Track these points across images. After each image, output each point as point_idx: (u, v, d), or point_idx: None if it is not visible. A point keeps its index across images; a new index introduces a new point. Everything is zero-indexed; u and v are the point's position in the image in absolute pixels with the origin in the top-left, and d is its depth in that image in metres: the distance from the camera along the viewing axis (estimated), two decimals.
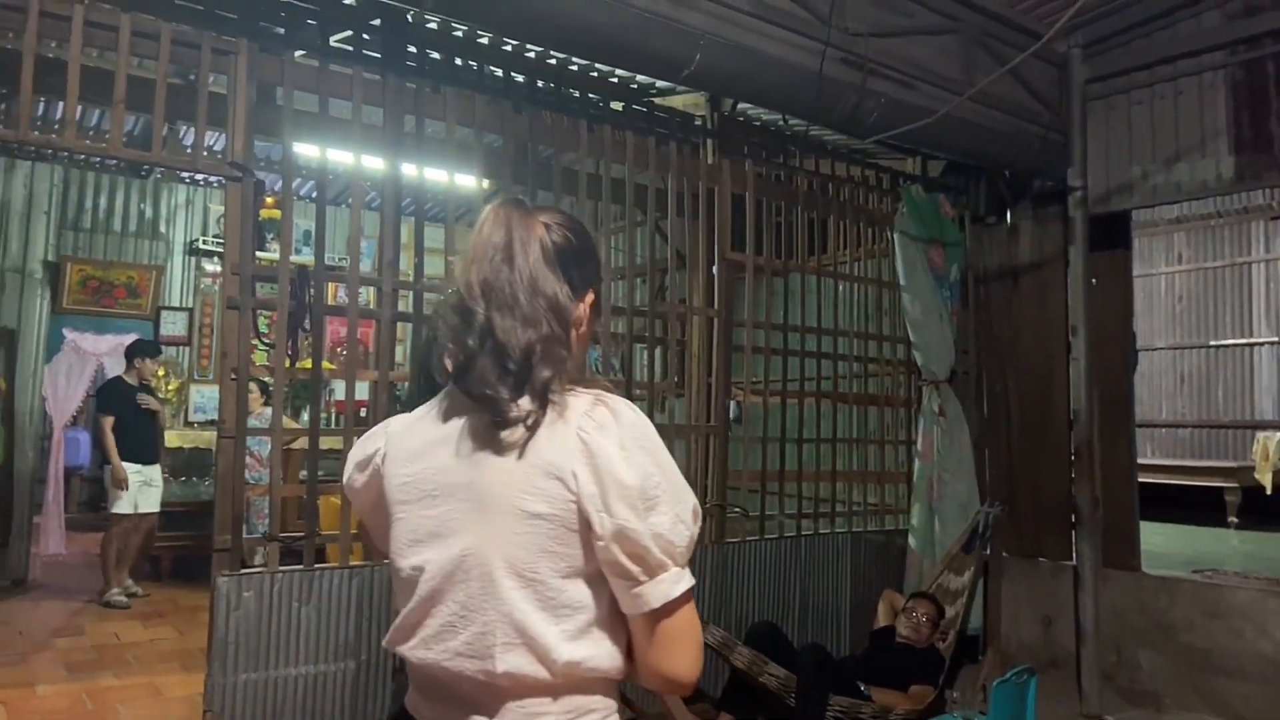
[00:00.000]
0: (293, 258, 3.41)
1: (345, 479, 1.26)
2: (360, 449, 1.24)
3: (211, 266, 7.37)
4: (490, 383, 1.07)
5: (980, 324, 5.46)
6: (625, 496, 1.04)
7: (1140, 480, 5.21)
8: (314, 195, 7.24)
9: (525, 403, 1.08)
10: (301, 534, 3.28)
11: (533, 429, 1.07)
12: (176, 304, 7.39)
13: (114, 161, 6.94)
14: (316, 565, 3.23)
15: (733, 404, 4.79)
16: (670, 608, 1.05)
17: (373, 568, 3.30)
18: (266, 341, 3.74)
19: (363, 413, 4.61)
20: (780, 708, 3.64)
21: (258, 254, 5.08)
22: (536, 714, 1.06)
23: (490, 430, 1.07)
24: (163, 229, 7.46)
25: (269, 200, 6.41)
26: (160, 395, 7.07)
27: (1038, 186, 5.20)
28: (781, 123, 4.74)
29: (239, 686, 3.05)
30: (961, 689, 4.00)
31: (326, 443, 3.40)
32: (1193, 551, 6.40)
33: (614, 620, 1.09)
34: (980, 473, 5.11)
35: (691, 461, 4.29)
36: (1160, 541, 6.34)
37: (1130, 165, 4.73)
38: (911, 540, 4.85)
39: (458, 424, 1.12)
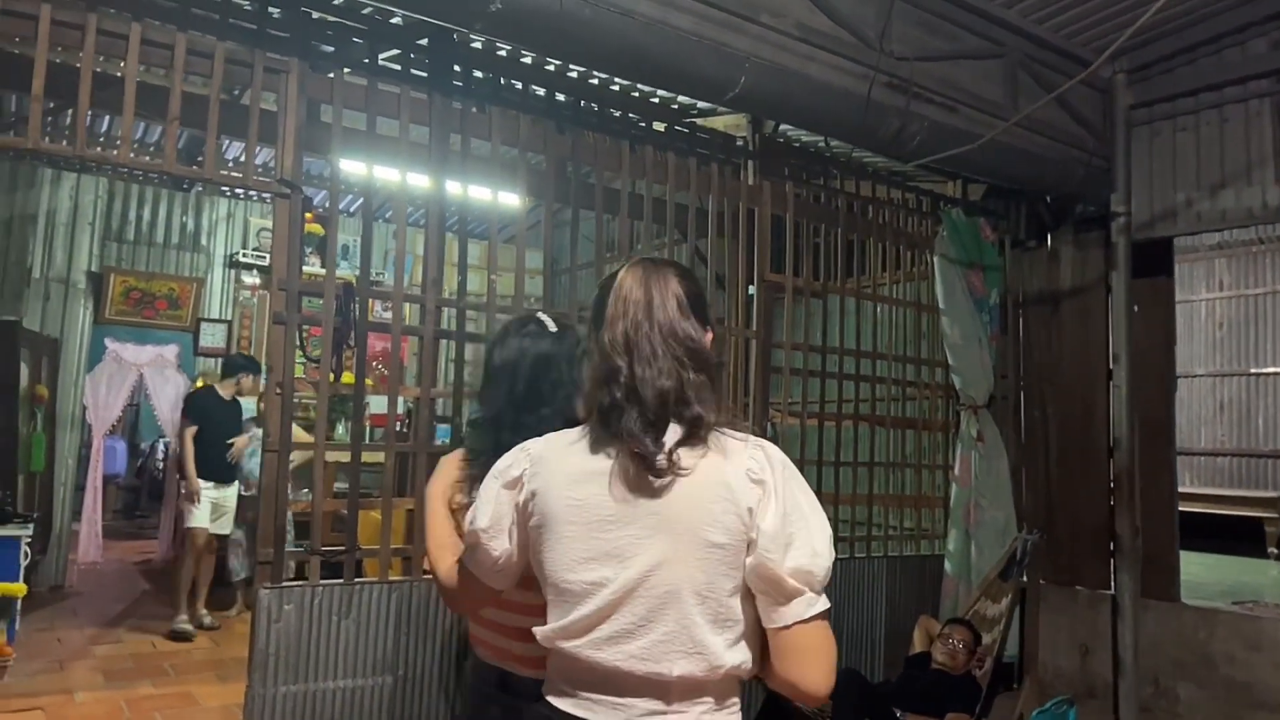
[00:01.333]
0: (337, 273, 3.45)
1: (489, 493, 1.37)
2: (505, 469, 1.36)
3: (250, 279, 7.46)
4: (636, 435, 1.24)
5: (1020, 349, 5.41)
6: (776, 537, 1.23)
7: (1179, 509, 5.14)
8: (354, 209, 7.37)
9: (670, 442, 1.25)
10: (342, 547, 3.30)
11: (681, 470, 1.25)
12: (216, 316, 7.49)
13: (158, 175, 7.08)
14: (356, 580, 3.24)
15: (770, 426, 4.78)
16: (802, 626, 1.23)
17: (412, 583, 3.31)
18: (310, 356, 3.77)
19: (400, 427, 4.65)
20: None
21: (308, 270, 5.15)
22: (698, 703, 1.26)
23: (641, 472, 1.25)
24: (204, 242, 7.57)
25: (309, 215, 6.49)
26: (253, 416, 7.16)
27: (1079, 211, 5.15)
28: (822, 144, 4.73)
29: (278, 699, 3.07)
30: (996, 717, 3.94)
31: (367, 457, 3.43)
32: (1232, 582, 6.29)
33: (756, 629, 1.27)
34: (1018, 499, 5.05)
35: None
36: (1198, 571, 6.24)
37: (1174, 192, 4.68)
38: (948, 566, 4.79)
39: (611, 459, 1.27)
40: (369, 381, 4.01)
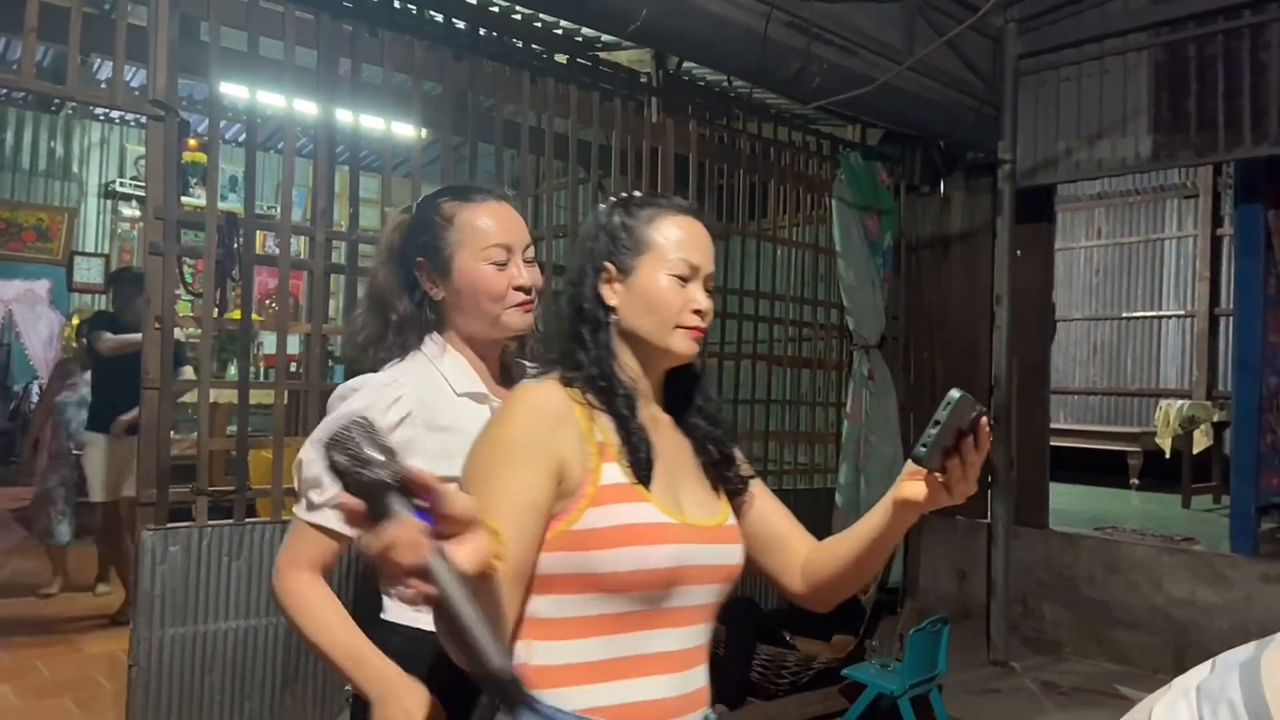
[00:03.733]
0: (220, 204, 3.29)
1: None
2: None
3: (130, 211, 7.04)
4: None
5: (910, 291, 5.60)
6: None
7: (1052, 444, 5.46)
8: (241, 139, 6.99)
9: None
10: (231, 489, 3.21)
11: None
12: (91, 249, 7.06)
13: (21, 95, 6.56)
14: (247, 520, 3.17)
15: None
16: None
17: None
18: (193, 291, 3.61)
19: (293, 367, 4.50)
20: (710, 657, 3.75)
21: (181, 199, 4.88)
22: None
23: None
24: (75, 169, 7.09)
25: (192, 143, 6.15)
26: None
27: (970, 158, 5.32)
28: (726, 84, 4.73)
29: (165, 641, 2.99)
30: (880, 638, 4.17)
31: (255, 397, 3.33)
32: (1097, 510, 6.76)
33: None
34: (905, 435, 5.27)
35: None
36: (1068, 501, 6.67)
37: (1056, 140, 4.87)
38: (838, 498, 4.99)
39: None
40: (258, 318, 3.86)
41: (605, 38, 4.24)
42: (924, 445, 1.05)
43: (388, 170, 3.55)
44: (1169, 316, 9.46)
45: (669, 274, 1.20)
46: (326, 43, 3.36)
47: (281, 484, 3.27)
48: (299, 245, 4.92)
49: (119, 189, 6.99)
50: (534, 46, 3.99)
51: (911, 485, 1.13)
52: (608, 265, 1.22)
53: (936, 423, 1.04)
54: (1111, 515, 6.50)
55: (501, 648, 0.80)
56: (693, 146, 4.46)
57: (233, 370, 5.45)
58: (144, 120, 3.24)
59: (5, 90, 6.47)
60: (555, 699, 1.09)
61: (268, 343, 5.53)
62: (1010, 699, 4.20)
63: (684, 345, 1.21)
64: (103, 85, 6.36)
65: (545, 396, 1.16)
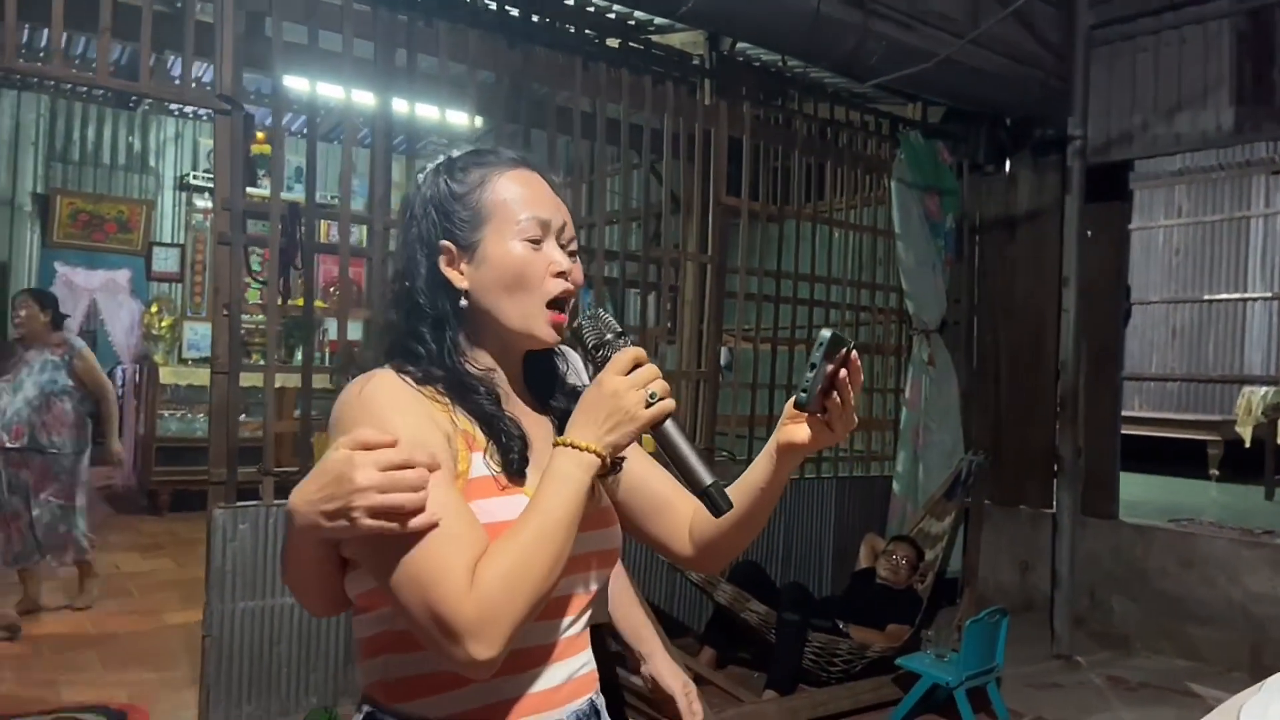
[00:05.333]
0: (284, 195, 3.39)
1: None
2: None
3: (203, 202, 7.28)
4: None
5: (973, 274, 5.47)
6: None
7: (1126, 432, 5.29)
8: (305, 131, 7.17)
9: None
10: (296, 469, 3.31)
11: None
12: (168, 240, 7.34)
13: (101, 92, 6.83)
14: None
15: (724, 350, 4.82)
16: None
17: None
18: (259, 279, 3.73)
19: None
20: (761, 643, 3.75)
21: (249, 190, 5.03)
22: None
23: None
24: (152, 163, 7.36)
25: (260, 136, 6.32)
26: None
27: (1038, 135, 5.16)
28: (781, 64, 4.66)
29: (236, 614, 3.13)
30: (937, 628, 4.11)
31: (318, 381, 3.43)
32: (1172, 502, 6.52)
33: None
34: (966, 422, 5.16)
35: (680, 406, 4.33)
36: (1141, 492, 6.45)
37: (1131, 115, 4.69)
38: (895, 486, 4.92)
39: None
40: (321, 305, 3.98)
41: (658, 21, 4.22)
42: (804, 391, 1.02)
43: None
44: (1254, 299, 9.04)
45: (521, 239, 1.06)
46: (383, 34, 3.43)
47: None
48: (360, 234, 5.02)
49: (193, 181, 7.24)
50: (586, 32, 3.99)
51: (794, 428, 1.06)
52: (445, 245, 1.07)
53: (813, 365, 1.02)
54: (1188, 507, 6.26)
55: (708, 466, 1.02)
56: (746, 128, 4.42)
57: (298, 356, 5.61)
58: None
59: (84, 89, 6.73)
60: (418, 709, 1.01)
61: (332, 329, 5.68)
62: (1074, 693, 4.10)
63: (548, 334, 1.08)
64: (175, 81, 6.59)
65: (390, 379, 1.02)
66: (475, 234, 1.07)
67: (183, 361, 6.99)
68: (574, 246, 1.18)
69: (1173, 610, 4.61)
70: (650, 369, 1.01)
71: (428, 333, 1.06)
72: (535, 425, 1.11)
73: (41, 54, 6.22)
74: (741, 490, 1.11)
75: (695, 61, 4.36)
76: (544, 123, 3.85)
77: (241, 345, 3.37)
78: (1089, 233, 4.74)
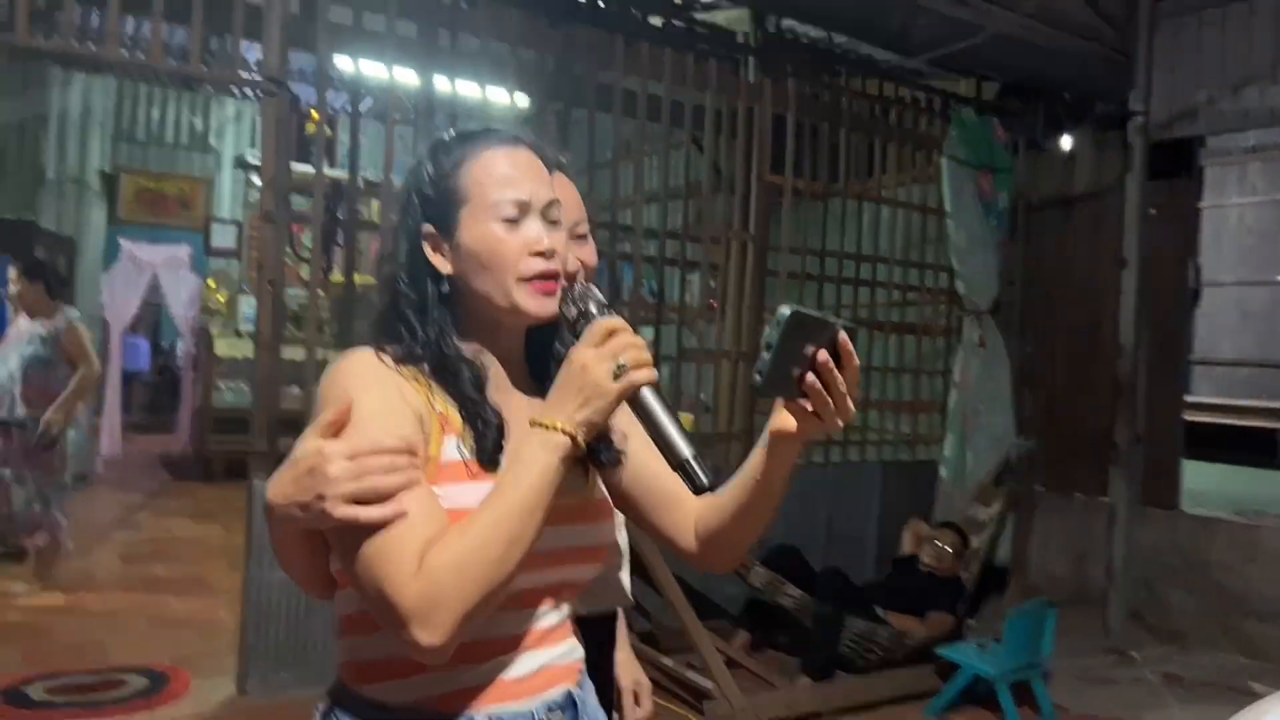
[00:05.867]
0: (334, 172, 3.44)
1: None
2: None
3: (259, 180, 7.47)
4: None
5: (1029, 255, 5.31)
6: None
7: (1192, 419, 5.10)
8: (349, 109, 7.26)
9: None
10: None
11: None
12: (226, 216, 7.53)
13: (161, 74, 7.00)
14: None
15: (768, 329, 4.76)
16: None
17: None
18: (302, 255, 3.80)
19: None
20: (797, 628, 3.72)
21: (299, 168, 5.11)
22: None
23: None
24: (213, 142, 7.56)
25: (314, 115, 6.40)
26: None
27: (1099, 111, 4.96)
28: (828, 40, 4.56)
29: (275, 583, 3.19)
30: (982, 619, 4.04)
31: None
32: (1239, 493, 6.27)
33: None
34: (1018, 406, 5.03)
35: (719, 386, 4.30)
36: (1206, 481, 6.22)
37: (1196, 90, 4.49)
38: (943, 471, 4.83)
39: None
40: (364, 279, 4.03)
41: None
42: (758, 373, 0.94)
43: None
44: None
45: (497, 219, 1.03)
46: (426, 14, 3.44)
47: None
48: None
49: (250, 159, 7.39)
50: (630, 10, 3.96)
51: (781, 416, 1.00)
52: (427, 229, 1.05)
53: (768, 346, 0.93)
54: (1257, 499, 6.03)
55: (686, 436, 0.97)
56: (791, 105, 4.34)
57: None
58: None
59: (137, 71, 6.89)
60: (380, 693, 1.00)
61: None
62: (1127, 690, 3.97)
63: (533, 304, 1.03)
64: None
65: (365, 358, 1.02)
66: (453, 217, 1.05)
67: (238, 334, 7.18)
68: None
69: (1234, 605, 4.45)
70: (623, 338, 0.95)
71: (412, 315, 1.05)
72: (525, 411, 1.04)
73: (97, 37, 6.41)
74: (740, 480, 1.07)
75: (740, 39, 4.29)
76: (585, 100, 3.83)
77: (285, 320, 3.42)
78: (1152, 211, 4.56)
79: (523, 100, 3.87)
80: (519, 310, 1.04)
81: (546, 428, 0.95)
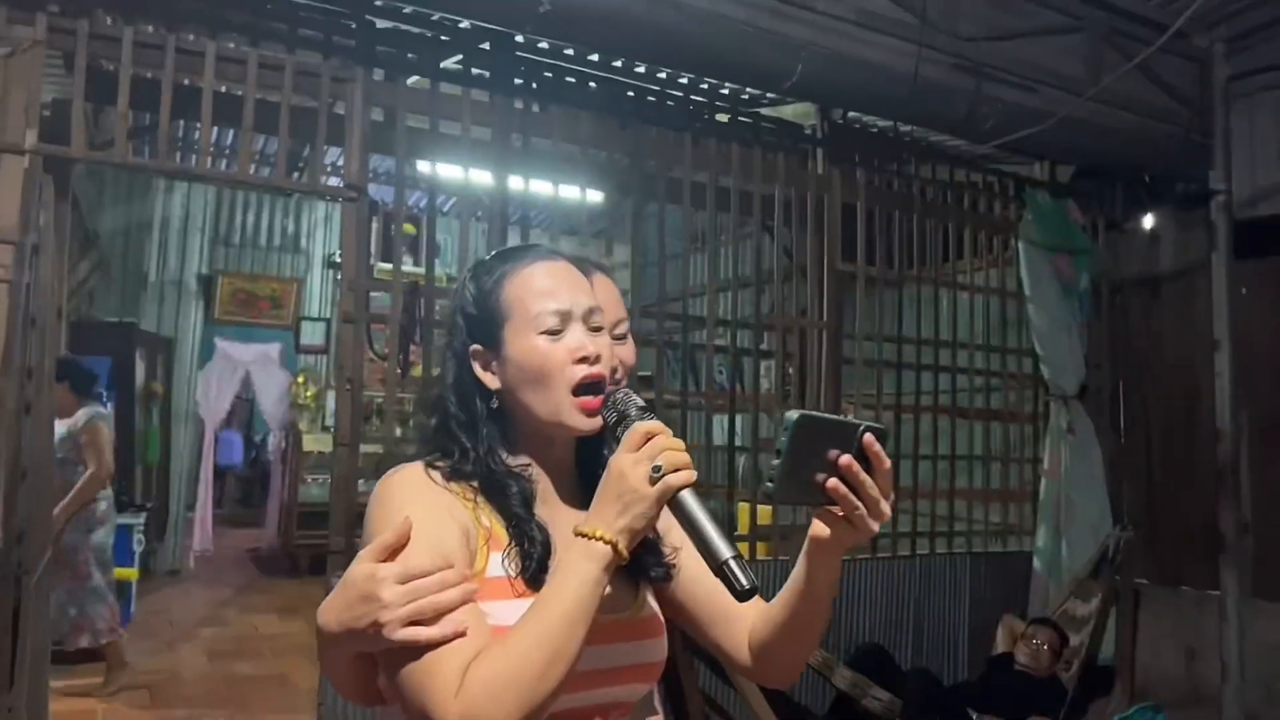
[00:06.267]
0: (412, 269, 3.55)
1: None
2: None
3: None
4: None
5: (1115, 336, 5.14)
6: None
7: None
8: (445, 210, 7.53)
9: None
10: None
11: None
12: (315, 314, 7.84)
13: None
14: None
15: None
16: None
17: None
18: (377, 353, 3.90)
19: None
20: None
21: (384, 266, 5.31)
22: None
23: None
24: (303, 244, 7.94)
25: (409, 226, 6.63)
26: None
27: (1181, 190, 4.85)
28: (894, 130, 4.59)
29: None
30: None
31: None
32: None
33: None
34: (1115, 494, 4.80)
35: None
36: None
37: (1278, 167, 4.35)
38: (1036, 563, 4.60)
39: None
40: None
41: (770, 94, 4.25)
42: (769, 480, 0.94)
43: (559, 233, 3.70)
44: None
45: (540, 331, 1.05)
46: (500, 121, 3.58)
47: None
48: None
49: (338, 260, 7.74)
50: (694, 109, 4.06)
51: (816, 524, 1.00)
52: (475, 348, 1.09)
53: (778, 452, 0.93)
54: None
55: (725, 537, 0.94)
56: (860, 194, 4.36)
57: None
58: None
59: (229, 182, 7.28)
60: None
61: None
62: None
63: (580, 421, 1.05)
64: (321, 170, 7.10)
65: (415, 473, 1.05)
66: (498, 333, 1.07)
67: (325, 429, 7.38)
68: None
69: None
70: (660, 441, 0.95)
71: (461, 432, 1.07)
72: (571, 526, 1.04)
73: (196, 149, 6.85)
74: (787, 591, 1.06)
75: (807, 131, 4.35)
76: (666, 195, 3.92)
77: (363, 418, 3.50)
78: (1244, 290, 4.39)
79: (594, 196, 3.97)
80: (564, 425, 1.06)
81: (588, 537, 0.94)
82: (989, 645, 4.23)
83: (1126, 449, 5.04)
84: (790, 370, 4.71)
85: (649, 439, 0.95)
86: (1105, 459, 4.79)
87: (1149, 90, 4.18)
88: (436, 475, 1.04)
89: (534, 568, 1.01)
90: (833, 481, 0.94)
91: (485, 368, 1.09)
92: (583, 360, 1.05)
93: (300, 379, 7.68)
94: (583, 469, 1.13)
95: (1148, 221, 5.05)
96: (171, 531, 7.16)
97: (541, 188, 3.80)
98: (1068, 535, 4.58)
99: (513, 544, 1.03)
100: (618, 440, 1.00)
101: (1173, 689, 4.63)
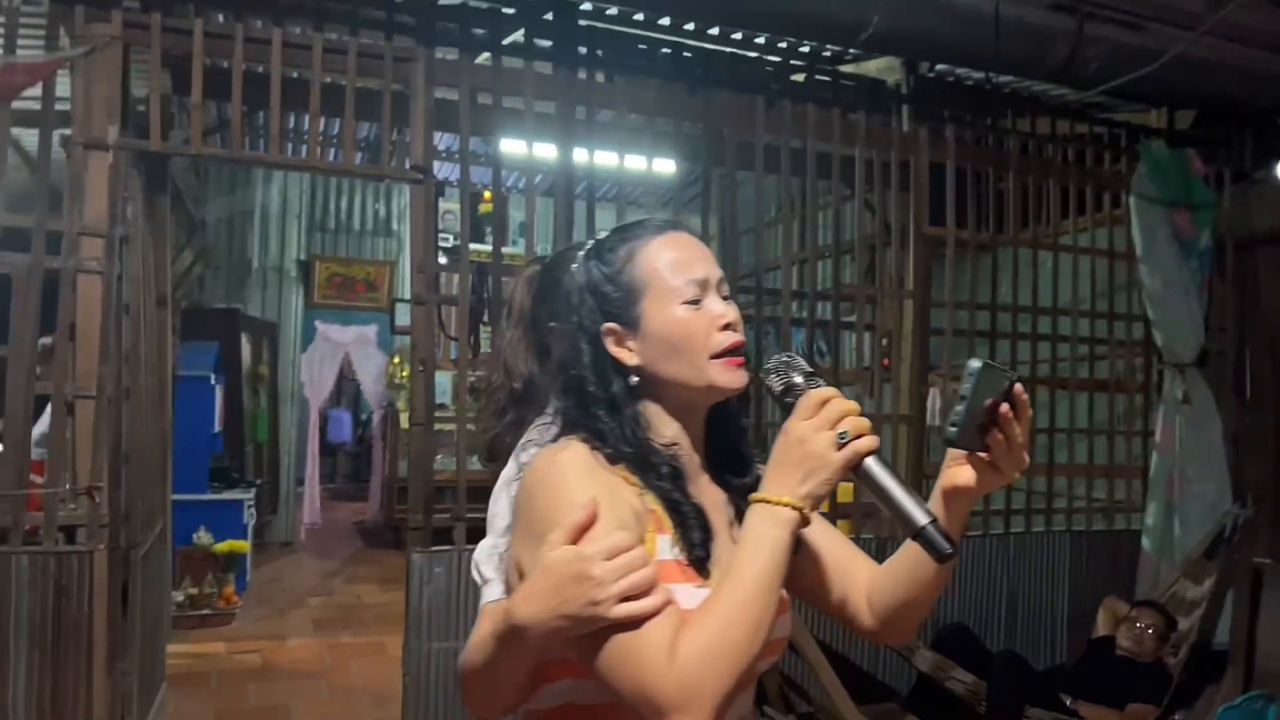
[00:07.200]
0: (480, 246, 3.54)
1: None
2: None
3: (441, 259, 7.93)
4: None
5: (1243, 298, 4.72)
6: None
7: None
8: (514, 188, 7.54)
9: None
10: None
11: None
12: (408, 297, 8.01)
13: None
14: None
15: (933, 392, 4.48)
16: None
17: None
18: (449, 335, 3.94)
19: None
20: (970, 715, 3.38)
21: (477, 248, 5.36)
22: None
23: None
24: (395, 227, 8.12)
25: (486, 195, 6.67)
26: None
27: None
28: (987, 81, 4.31)
29: (432, 654, 3.26)
30: (1195, 713, 3.52)
31: None
32: None
33: None
34: (1236, 469, 4.44)
35: (886, 452, 4.04)
36: None
37: None
38: (1145, 542, 4.30)
39: None
40: None
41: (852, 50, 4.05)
42: (953, 424, 0.97)
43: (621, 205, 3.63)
44: None
45: (680, 302, 1.07)
46: (563, 93, 3.52)
47: None
48: None
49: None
50: (767, 69, 3.90)
51: (956, 470, 1.02)
52: (608, 326, 1.08)
53: (962, 398, 0.96)
54: None
55: (919, 501, 0.96)
56: (950, 153, 4.11)
57: None
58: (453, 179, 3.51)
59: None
60: None
61: None
62: None
63: (728, 378, 1.06)
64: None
65: (582, 454, 1.03)
66: (634, 309, 1.08)
67: None
68: (727, 292, 1.15)
69: None
70: (838, 405, 0.96)
71: (605, 414, 1.07)
72: (712, 503, 1.10)
73: (292, 136, 7.04)
74: (911, 548, 1.06)
75: (890, 87, 4.13)
76: (746, 163, 3.79)
77: (434, 398, 3.54)
78: None
79: (662, 166, 3.87)
80: (714, 387, 1.07)
81: (772, 503, 0.96)
82: (1090, 630, 3.99)
83: (1251, 420, 4.64)
84: (885, 342, 4.53)
85: (824, 404, 0.96)
86: (1226, 431, 4.43)
87: (1275, 20, 3.78)
88: (601, 457, 1.04)
89: (699, 552, 1.03)
90: (1004, 412, 0.97)
91: (619, 344, 1.09)
92: (726, 327, 1.07)
93: (396, 359, 7.89)
94: (713, 440, 1.14)
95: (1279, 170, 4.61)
96: (283, 506, 7.51)
97: (610, 159, 3.71)
98: (1181, 513, 4.27)
99: (677, 529, 1.04)
100: (784, 407, 1.02)
101: None
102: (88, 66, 2.99)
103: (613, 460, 1.04)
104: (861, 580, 1.15)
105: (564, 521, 0.94)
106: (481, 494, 3.36)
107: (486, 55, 3.52)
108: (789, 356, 1.06)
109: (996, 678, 3.21)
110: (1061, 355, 4.45)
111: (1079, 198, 4.50)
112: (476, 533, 3.42)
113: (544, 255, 1.50)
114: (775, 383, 1.04)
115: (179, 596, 5.09)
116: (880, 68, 4.27)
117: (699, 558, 1.02)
